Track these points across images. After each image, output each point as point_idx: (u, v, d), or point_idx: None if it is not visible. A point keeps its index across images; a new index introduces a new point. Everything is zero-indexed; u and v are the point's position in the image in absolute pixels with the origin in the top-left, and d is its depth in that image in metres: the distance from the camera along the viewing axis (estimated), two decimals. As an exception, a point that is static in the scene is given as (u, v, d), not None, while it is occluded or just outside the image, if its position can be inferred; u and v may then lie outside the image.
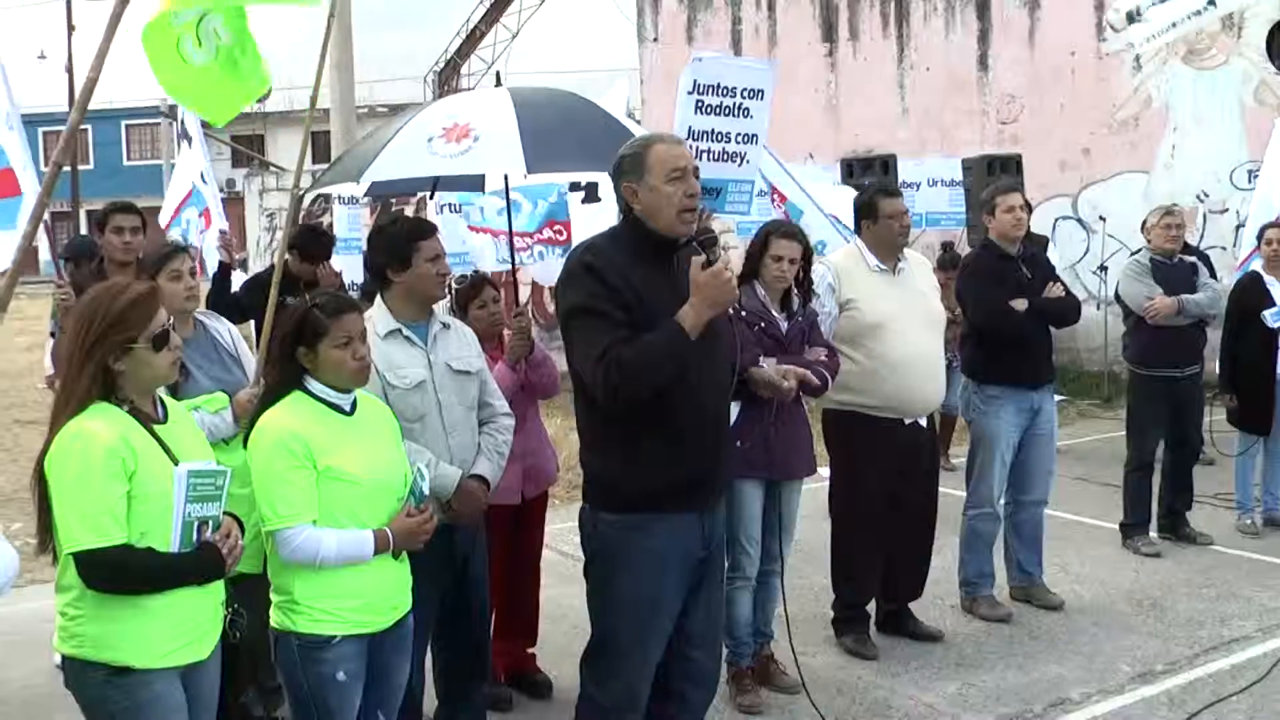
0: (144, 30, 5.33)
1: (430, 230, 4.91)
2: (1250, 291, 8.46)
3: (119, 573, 3.39)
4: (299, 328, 4.03)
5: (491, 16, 36.37)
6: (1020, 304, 6.87)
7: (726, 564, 5.89)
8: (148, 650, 3.45)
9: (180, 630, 3.51)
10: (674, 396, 4.04)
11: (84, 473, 3.35)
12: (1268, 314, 8.34)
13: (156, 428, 3.55)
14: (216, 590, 3.64)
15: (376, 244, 4.94)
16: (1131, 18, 9.11)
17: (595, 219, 8.06)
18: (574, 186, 7.84)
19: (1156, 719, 5.65)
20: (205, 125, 9.41)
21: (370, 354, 4.16)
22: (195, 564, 3.51)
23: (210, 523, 3.53)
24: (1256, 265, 8.73)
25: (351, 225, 12.62)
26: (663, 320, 3.98)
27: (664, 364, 3.97)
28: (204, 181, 8.83)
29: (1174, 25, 9.11)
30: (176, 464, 3.48)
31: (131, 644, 3.44)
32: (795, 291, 5.91)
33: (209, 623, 3.63)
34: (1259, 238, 8.79)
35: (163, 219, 9.81)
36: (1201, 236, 12.62)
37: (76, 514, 3.34)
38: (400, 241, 4.81)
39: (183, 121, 8.98)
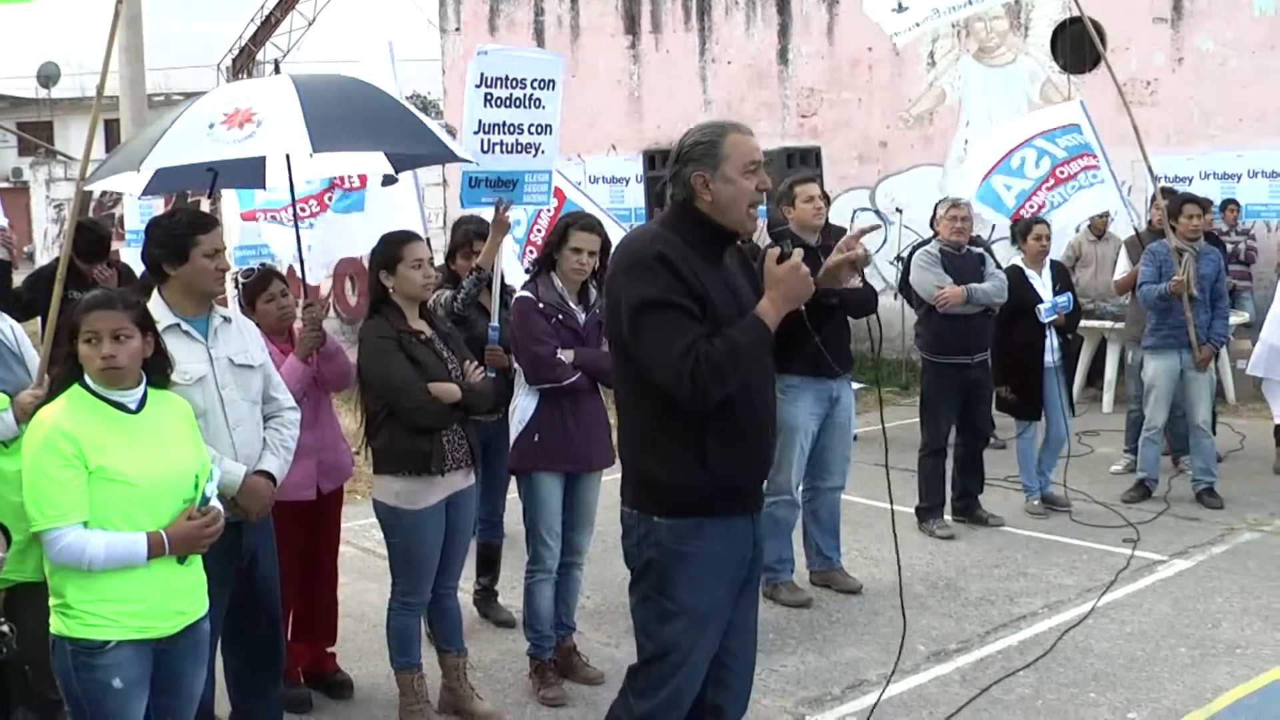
0: None
1: (210, 224, 4.73)
2: (1015, 285, 8.64)
3: None
4: (70, 323, 3.91)
5: (286, 3, 35.47)
6: (816, 293, 6.96)
7: (528, 556, 5.88)
8: None
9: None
10: (740, 394, 3.83)
11: None
12: (1041, 308, 8.65)
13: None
14: None
15: (153, 237, 4.74)
16: (899, 8, 9.31)
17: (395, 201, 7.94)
18: (387, 180, 7.66)
19: (949, 695, 5.81)
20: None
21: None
22: None
23: None
24: (1018, 260, 8.99)
25: (144, 217, 12.18)
26: (721, 317, 3.80)
27: (751, 360, 3.79)
28: None
29: (937, 13, 9.31)
30: None
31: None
32: (593, 284, 5.91)
33: (-32, 638, 3.43)
34: (1025, 233, 9.00)
35: None
36: (993, 229, 12.97)
37: None
38: (178, 235, 4.64)
39: None
